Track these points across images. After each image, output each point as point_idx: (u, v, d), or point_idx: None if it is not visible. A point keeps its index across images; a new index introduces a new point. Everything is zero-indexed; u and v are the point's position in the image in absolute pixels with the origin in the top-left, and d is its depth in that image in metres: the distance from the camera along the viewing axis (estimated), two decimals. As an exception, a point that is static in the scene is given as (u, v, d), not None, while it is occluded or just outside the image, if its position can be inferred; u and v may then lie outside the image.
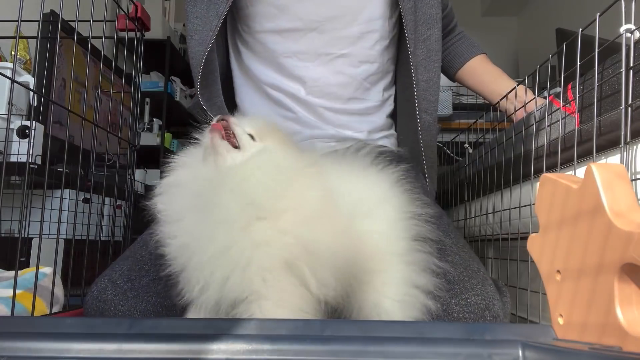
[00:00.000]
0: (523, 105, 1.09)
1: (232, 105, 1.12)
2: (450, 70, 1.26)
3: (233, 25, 1.09)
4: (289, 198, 0.56)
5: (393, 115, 1.15)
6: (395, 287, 0.65)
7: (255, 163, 0.56)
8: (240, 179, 0.55)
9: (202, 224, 0.55)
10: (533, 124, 1.04)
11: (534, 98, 1.06)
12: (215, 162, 0.56)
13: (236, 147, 0.57)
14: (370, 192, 0.67)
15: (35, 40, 1.62)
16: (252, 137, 0.59)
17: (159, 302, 0.76)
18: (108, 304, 0.76)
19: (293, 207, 0.56)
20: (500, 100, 1.17)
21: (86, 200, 1.19)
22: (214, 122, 0.57)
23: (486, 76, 1.23)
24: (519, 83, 1.11)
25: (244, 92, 1.09)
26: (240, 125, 0.58)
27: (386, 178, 0.71)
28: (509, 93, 1.13)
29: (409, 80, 1.02)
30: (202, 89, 0.99)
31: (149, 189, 2.32)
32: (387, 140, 1.12)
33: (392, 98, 1.14)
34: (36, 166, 1.22)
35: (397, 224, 0.67)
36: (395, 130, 1.15)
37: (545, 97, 1.08)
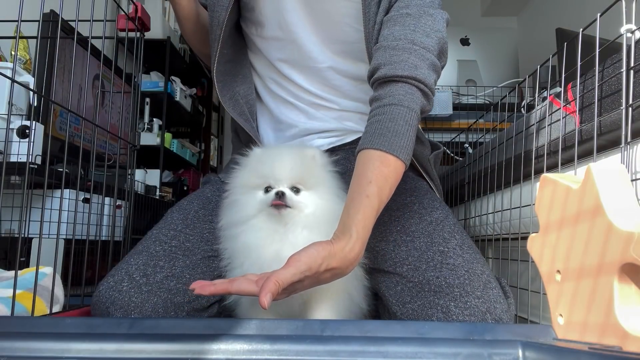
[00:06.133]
0: (524, 104, 1.09)
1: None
2: None
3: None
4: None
5: None
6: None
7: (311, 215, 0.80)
8: (303, 228, 0.78)
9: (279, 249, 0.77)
10: (533, 124, 1.04)
11: None
12: (282, 221, 0.78)
13: (289, 206, 0.78)
14: None
15: (35, 40, 1.62)
16: (297, 190, 0.79)
17: (169, 299, 0.82)
18: (123, 295, 0.80)
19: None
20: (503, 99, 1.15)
21: (86, 200, 1.19)
22: (275, 201, 0.78)
23: None
24: (519, 83, 1.11)
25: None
26: (288, 191, 0.78)
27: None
28: (509, 93, 1.12)
29: None
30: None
31: (149, 189, 2.32)
32: None
33: None
34: (36, 166, 1.22)
35: None
36: None
37: (545, 97, 1.08)
